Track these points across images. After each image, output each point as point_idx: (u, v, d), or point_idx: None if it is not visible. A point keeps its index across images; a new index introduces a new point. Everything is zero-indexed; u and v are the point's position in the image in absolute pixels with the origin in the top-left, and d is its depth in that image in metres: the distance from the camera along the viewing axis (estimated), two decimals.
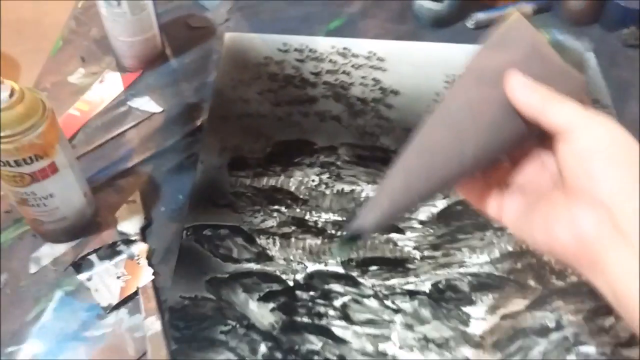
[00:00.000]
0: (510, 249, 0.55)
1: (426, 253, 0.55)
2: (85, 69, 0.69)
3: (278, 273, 0.54)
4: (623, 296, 0.27)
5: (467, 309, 0.51)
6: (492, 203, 0.35)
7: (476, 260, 0.54)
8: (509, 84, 0.32)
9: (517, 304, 0.51)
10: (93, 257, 0.54)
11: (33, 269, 0.54)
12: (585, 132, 0.29)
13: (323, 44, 0.70)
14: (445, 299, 0.52)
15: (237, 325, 0.50)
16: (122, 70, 0.68)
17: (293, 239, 0.56)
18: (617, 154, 0.29)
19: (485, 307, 0.51)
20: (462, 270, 0.54)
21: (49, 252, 0.55)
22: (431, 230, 0.56)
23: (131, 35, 0.65)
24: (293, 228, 0.56)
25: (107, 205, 0.58)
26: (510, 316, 0.51)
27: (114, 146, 0.62)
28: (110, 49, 0.68)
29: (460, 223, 0.56)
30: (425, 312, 0.51)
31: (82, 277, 0.53)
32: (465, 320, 0.51)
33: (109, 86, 0.67)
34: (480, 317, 0.51)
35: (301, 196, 0.58)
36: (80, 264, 0.54)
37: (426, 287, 0.53)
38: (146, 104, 0.65)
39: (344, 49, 0.70)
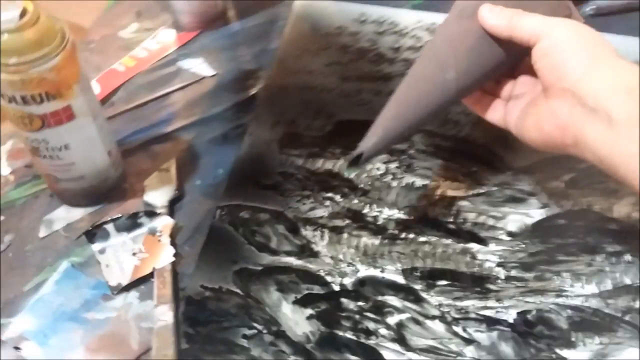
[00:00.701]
0: (628, 281, 0.41)
1: (513, 273, 0.43)
2: (139, 24, 0.62)
3: (322, 273, 0.43)
4: (606, 161, 0.31)
5: (563, 352, 0.39)
6: (497, 112, 0.40)
7: (580, 290, 0.41)
8: (480, 13, 0.37)
9: (633, 354, 0.38)
10: (109, 227, 0.46)
11: (43, 232, 0.47)
12: (550, 33, 0.33)
13: (407, 18, 0.60)
14: (535, 335, 0.40)
15: (264, 331, 0.40)
16: (179, 29, 0.61)
17: (345, 235, 0.45)
18: (580, 45, 0.33)
19: (589, 353, 0.39)
20: (560, 300, 0.41)
21: (64, 215, 0.48)
22: (522, 245, 0.44)
23: None
24: (347, 222, 0.46)
25: (136, 171, 0.50)
26: None
27: (155, 108, 0.55)
28: (168, 5, 0.61)
29: (561, 241, 0.44)
30: (507, 349, 0.39)
31: (95, 247, 0.45)
32: None
33: (161, 44, 0.60)
34: None
35: (361, 185, 0.48)
36: (94, 233, 0.46)
37: (510, 316, 0.41)
38: (198, 66, 0.58)
39: (432, 24, 0.59)
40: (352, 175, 0.46)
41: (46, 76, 0.37)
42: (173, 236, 0.46)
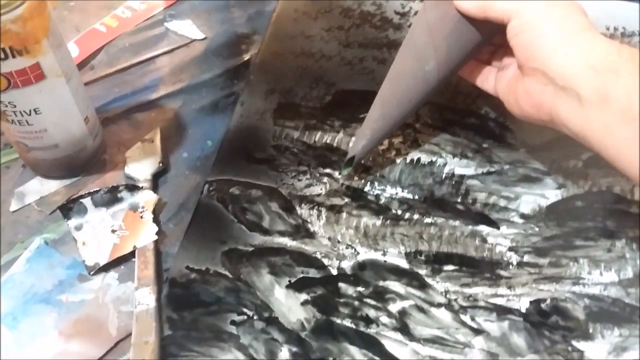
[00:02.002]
0: None
1: (527, 258, 0.39)
2: None
3: (319, 256, 0.40)
4: (580, 135, 0.32)
5: (579, 345, 0.36)
6: (489, 79, 0.39)
7: (599, 278, 0.38)
8: None
9: None
10: (87, 202, 0.42)
11: (14, 206, 0.43)
12: (520, 12, 0.33)
13: None
14: (549, 326, 0.36)
15: (255, 317, 0.37)
16: None
17: (345, 214, 0.42)
18: (548, 24, 0.32)
19: (608, 346, 0.35)
20: (576, 289, 0.38)
21: (37, 188, 0.44)
22: (536, 229, 0.40)
23: None
24: (346, 200, 0.42)
25: (117, 142, 0.46)
26: None
27: (139, 73, 0.50)
28: None
29: (579, 224, 0.40)
30: (519, 340, 0.36)
31: (70, 224, 0.41)
32: None
33: (146, 3, 0.55)
34: (598, 359, 0.35)
35: (362, 161, 0.44)
36: (70, 208, 0.42)
37: (523, 304, 0.37)
38: (187, 28, 0.53)
39: None
40: (346, 173, 0.43)
41: (10, 27, 0.33)
42: (156, 212, 0.42)
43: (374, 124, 0.40)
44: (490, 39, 0.38)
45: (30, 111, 0.37)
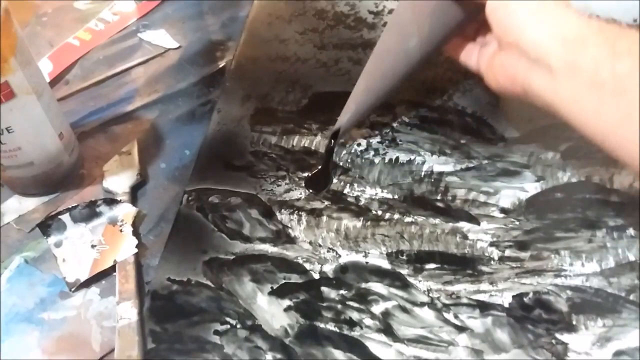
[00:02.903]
0: (631, 257, 0.38)
1: (508, 253, 0.39)
2: None
3: (300, 260, 0.40)
4: (551, 107, 0.32)
5: (564, 337, 0.36)
6: (472, 56, 0.40)
7: (580, 269, 0.38)
8: None
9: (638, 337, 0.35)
10: (65, 218, 0.42)
11: None
12: None
13: None
14: (533, 320, 0.36)
15: (238, 325, 0.37)
16: None
17: (325, 218, 0.41)
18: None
19: (592, 337, 0.35)
20: (559, 281, 0.38)
21: (15, 206, 0.43)
22: (517, 223, 0.41)
23: None
24: (326, 203, 0.42)
25: (95, 156, 0.46)
26: (627, 353, 0.35)
27: (114, 85, 0.50)
28: None
29: (559, 216, 0.40)
30: (502, 336, 0.36)
31: (50, 241, 0.41)
32: (561, 352, 0.35)
33: (119, 15, 0.55)
34: (582, 350, 0.35)
35: (341, 163, 0.44)
36: (49, 225, 0.41)
37: (505, 299, 0.37)
38: (161, 38, 0.53)
39: None
40: (332, 146, 0.43)
41: None
42: (136, 225, 0.42)
43: (359, 97, 0.41)
44: (474, 17, 0.38)
45: (2, 130, 0.37)
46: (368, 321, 0.37)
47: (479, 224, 0.41)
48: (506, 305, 0.37)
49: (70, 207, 0.42)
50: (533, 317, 0.36)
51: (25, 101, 0.37)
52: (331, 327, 0.37)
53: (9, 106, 0.36)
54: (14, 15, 0.35)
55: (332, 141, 0.42)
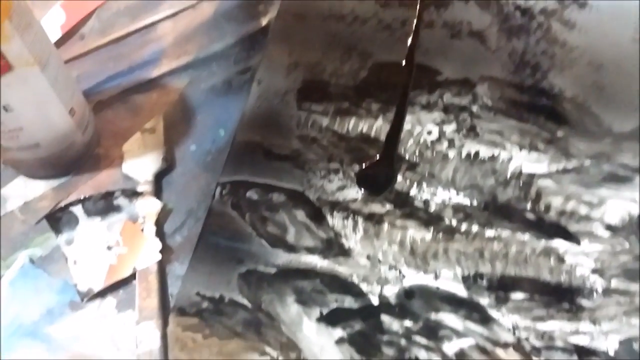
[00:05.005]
0: None
1: (615, 284, 0.32)
2: None
3: (356, 279, 0.33)
4: None
5: None
6: None
7: None
8: None
9: None
10: (78, 210, 0.35)
11: None
12: None
13: None
14: None
15: (280, 358, 0.31)
16: None
17: (386, 226, 0.34)
18: None
19: None
20: None
21: (20, 191, 0.37)
22: (627, 245, 0.33)
23: None
24: (388, 207, 0.35)
25: (113, 131, 0.39)
26: None
27: (138, 43, 0.42)
28: None
29: None
30: None
31: (60, 237, 0.35)
32: None
33: None
34: None
35: (407, 156, 0.36)
36: (59, 218, 0.35)
37: (610, 345, 0.30)
38: None
39: None
40: None
41: None
42: (160, 222, 0.35)
43: None
44: None
45: None
46: None
47: (579, 243, 0.33)
48: (611, 352, 0.30)
49: (82, 198, 0.35)
50: None
51: (25, 74, 0.30)
52: None
53: (5, 81, 0.29)
54: None
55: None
